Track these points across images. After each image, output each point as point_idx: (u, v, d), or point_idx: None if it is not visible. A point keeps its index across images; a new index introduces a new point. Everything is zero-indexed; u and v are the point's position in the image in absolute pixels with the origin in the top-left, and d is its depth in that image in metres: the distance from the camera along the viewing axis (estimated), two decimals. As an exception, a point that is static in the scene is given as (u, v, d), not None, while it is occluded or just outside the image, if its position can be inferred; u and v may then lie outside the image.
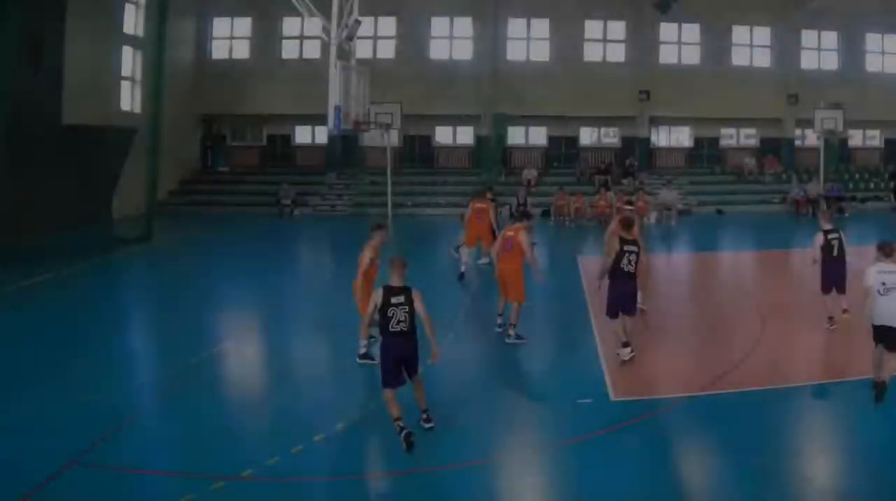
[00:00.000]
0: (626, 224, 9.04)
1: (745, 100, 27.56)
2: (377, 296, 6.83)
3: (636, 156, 28.16)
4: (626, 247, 8.81)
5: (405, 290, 6.83)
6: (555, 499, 6.13)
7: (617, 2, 27.94)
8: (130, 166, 21.93)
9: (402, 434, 6.61)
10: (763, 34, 28.52)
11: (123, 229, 20.09)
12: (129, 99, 24.02)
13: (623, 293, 8.89)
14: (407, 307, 6.74)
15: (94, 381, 8.41)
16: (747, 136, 30.09)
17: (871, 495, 5.87)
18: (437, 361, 6.94)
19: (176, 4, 22.43)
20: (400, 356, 6.80)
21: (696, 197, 26.89)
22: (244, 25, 28.43)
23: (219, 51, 28.72)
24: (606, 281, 8.94)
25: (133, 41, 23.85)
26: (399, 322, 6.72)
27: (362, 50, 22.73)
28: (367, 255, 9.11)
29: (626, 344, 8.93)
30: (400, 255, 7.30)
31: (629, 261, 8.79)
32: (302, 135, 29.87)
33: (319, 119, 23.05)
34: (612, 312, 8.96)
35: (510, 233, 10.14)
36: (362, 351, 8.94)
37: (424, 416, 7.04)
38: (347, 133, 19.91)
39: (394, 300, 6.75)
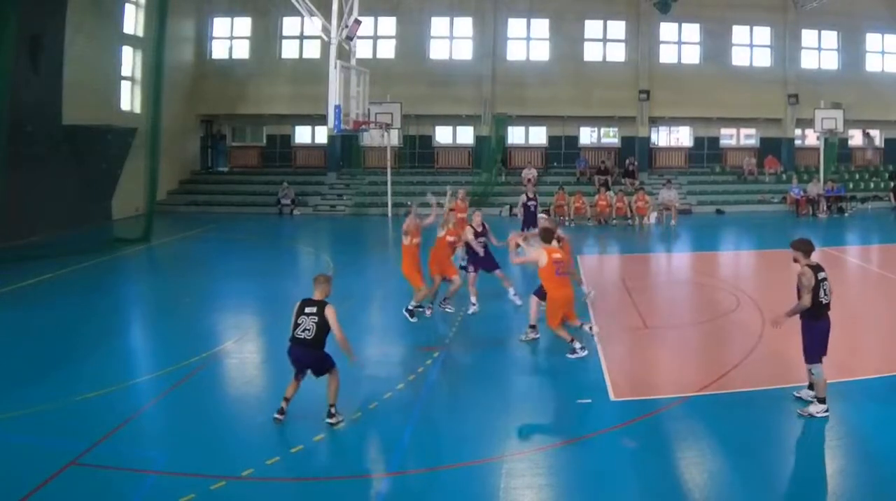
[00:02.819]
0: (804, 247, 7.40)
1: (745, 100, 27.57)
2: (295, 307, 7.21)
3: (636, 156, 28.16)
4: (819, 275, 7.21)
5: (319, 304, 7.14)
6: (555, 499, 6.13)
7: (617, 2, 27.95)
8: (130, 166, 21.97)
9: (277, 412, 7.16)
10: (763, 34, 28.50)
11: (123, 229, 20.10)
12: (129, 99, 24.03)
13: (828, 331, 7.29)
14: (317, 318, 7.03)
15: (93, 381, 8.40)
16: (747, 136, 30.07)
17: (872, 494, 5.87)
18: (355, 360, 7.36)
19: (176, 4, 22.50)
20: (299, 361, 7.17)
21: (695, 197, 26.89)
22: (244, 25, 28.42)
23: (219, 51, 28.73)
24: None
25: (133, 41, 23.86)
26: (305, 330, 7.03)
27: (362, 50, 22.72)
28: (408, 236, 10.51)
29: (822, 400, 7.26)
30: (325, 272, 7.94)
31: (825, 292, 7.25)
32: (302, 135, 29.88)
33: (319, 119, 23.25)
34: (817, 356, 7.25)
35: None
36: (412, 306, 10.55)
37: (329, 410, 7.14)
38: (347, 133, 19.95)
39: (307, 310, 7.11)
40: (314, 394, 8.24)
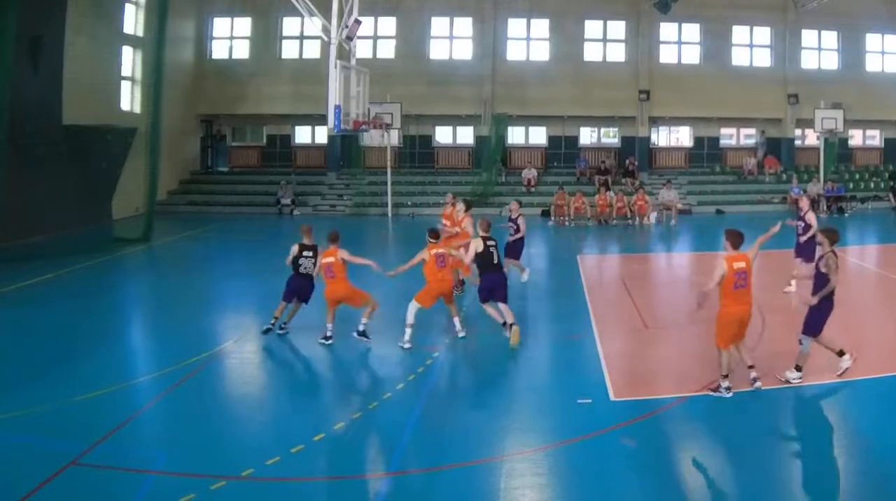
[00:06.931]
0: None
1: (745, 100, 27.56)
2: (294, 249, 10.15)
3: (636, 156, 28.15)
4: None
5: (313, 247, 10.07)
6: (555, 499, 6.13)
7: (617, 2, 27.96)
8: (130, 166, 21.97)
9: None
10: (763, 34, 28.51)
11: (123, 229, 20.09)
12: (129, 99, 24.03)
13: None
14: (314, 259, 9.96)
15: (93, 381, 8.40)
16: (747, 136, 30.09)
17: (872, 494, 5.87)
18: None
19: (176, 4, 22.49)
20: (299, 287, 10.13)
21: (696, 197, 26.89)
22: (244, 25, 28.43)
23: (219, 51, 28.74)
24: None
25: (133, 41, 23.86)
26: (306, 268, 10.03)
27: (362, 50, 22.72)
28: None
29: (798, 368, 8.05)
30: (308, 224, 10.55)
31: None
32: (302, 135, 29.89)
33: (319, 119, 23.25)
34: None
35: None
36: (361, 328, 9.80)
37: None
38: (347, 133, 19.94)
39: (304, 253, 10.08)
40: (313, 394, 8.26)
